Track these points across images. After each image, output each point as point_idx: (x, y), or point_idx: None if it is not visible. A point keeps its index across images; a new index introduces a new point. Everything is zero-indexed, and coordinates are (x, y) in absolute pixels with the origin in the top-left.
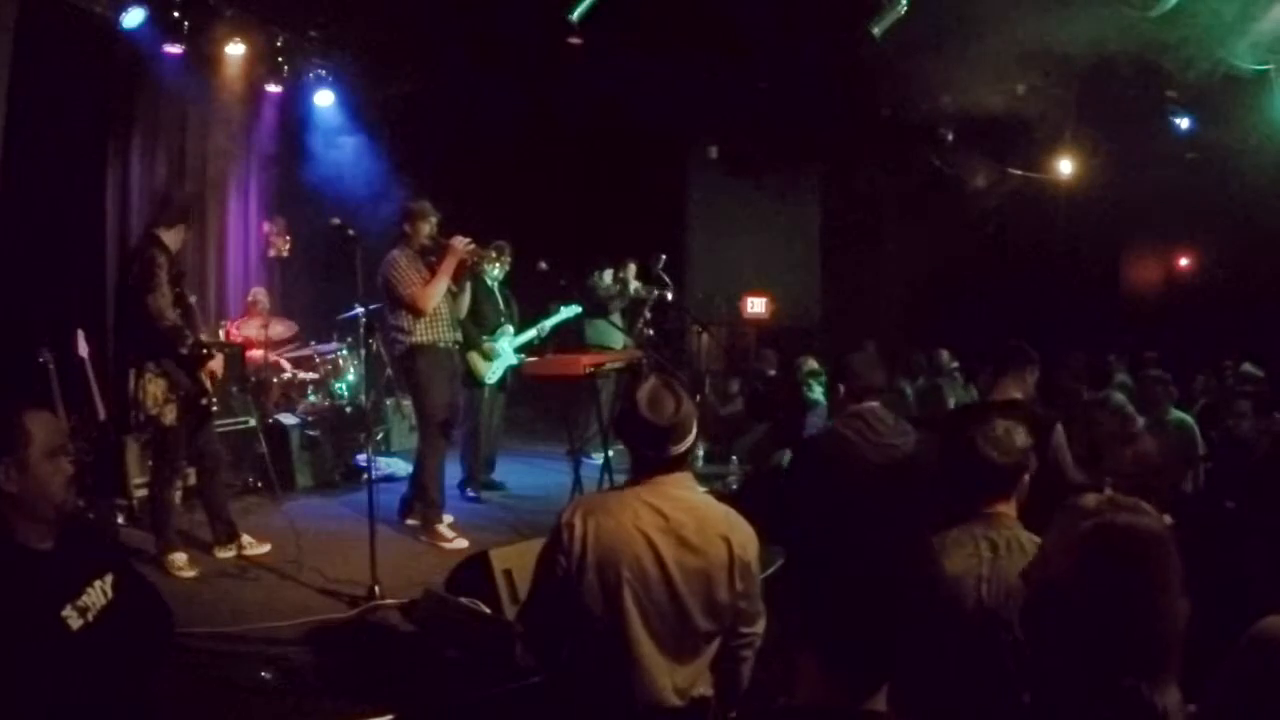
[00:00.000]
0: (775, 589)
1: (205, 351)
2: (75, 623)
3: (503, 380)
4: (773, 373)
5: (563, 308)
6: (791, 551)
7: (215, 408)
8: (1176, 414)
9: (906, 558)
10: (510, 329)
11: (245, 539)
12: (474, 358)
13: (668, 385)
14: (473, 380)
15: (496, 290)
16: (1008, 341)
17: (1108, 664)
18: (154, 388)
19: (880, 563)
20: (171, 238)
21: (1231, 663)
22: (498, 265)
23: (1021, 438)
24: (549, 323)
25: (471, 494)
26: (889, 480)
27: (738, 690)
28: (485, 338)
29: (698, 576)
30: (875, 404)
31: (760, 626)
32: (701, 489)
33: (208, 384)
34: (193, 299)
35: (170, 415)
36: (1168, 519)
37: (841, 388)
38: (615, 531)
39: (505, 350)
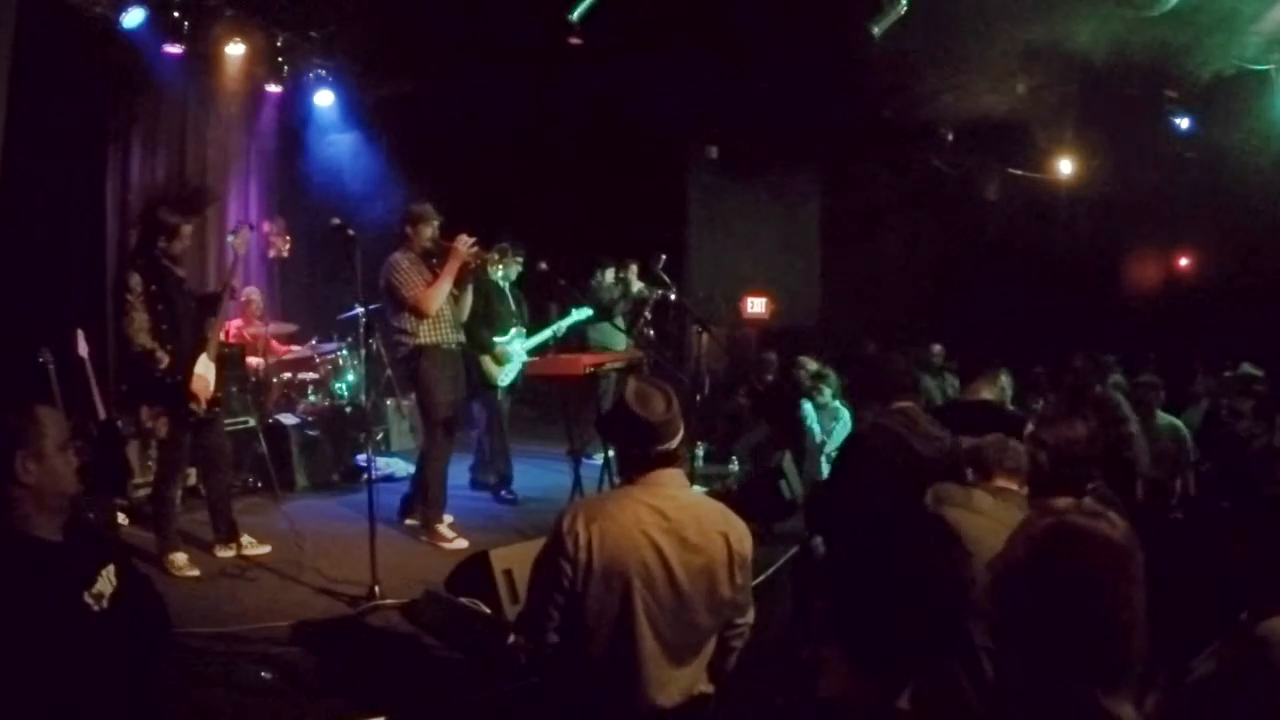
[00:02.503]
0: (803, 583)
1: (175, 380)
2: (95, 608)
3: (513, 382)
4: (770, 377)
5: (574, 309)
6: (836, 546)
7: (204, 413)
8: (1165, 418)
9: (943, 557)
10: (522, 330)
11: (245, 539)
12: (486, 361)
13: (653, 384)
14: (486, 383)
15: (508, 291)
16: (979, 353)
17: (1049, 663)
18: (147, 402)
19: (920, 562)
20: (162, 251)
21: (1225, 660)
22: (501, 267)
23: None
24: (564, 324)
25: (508, 495)
26: (943, 474)
27: (724, 678)
28: (498, 339)
29: (701, 575)
30: (909, 403)
31: (750, 616)
32: (702, 489)
33: (194, 405)
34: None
35: (163, 429)
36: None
37: (872, 388)
38: (620, 536)
39: (517, 352)
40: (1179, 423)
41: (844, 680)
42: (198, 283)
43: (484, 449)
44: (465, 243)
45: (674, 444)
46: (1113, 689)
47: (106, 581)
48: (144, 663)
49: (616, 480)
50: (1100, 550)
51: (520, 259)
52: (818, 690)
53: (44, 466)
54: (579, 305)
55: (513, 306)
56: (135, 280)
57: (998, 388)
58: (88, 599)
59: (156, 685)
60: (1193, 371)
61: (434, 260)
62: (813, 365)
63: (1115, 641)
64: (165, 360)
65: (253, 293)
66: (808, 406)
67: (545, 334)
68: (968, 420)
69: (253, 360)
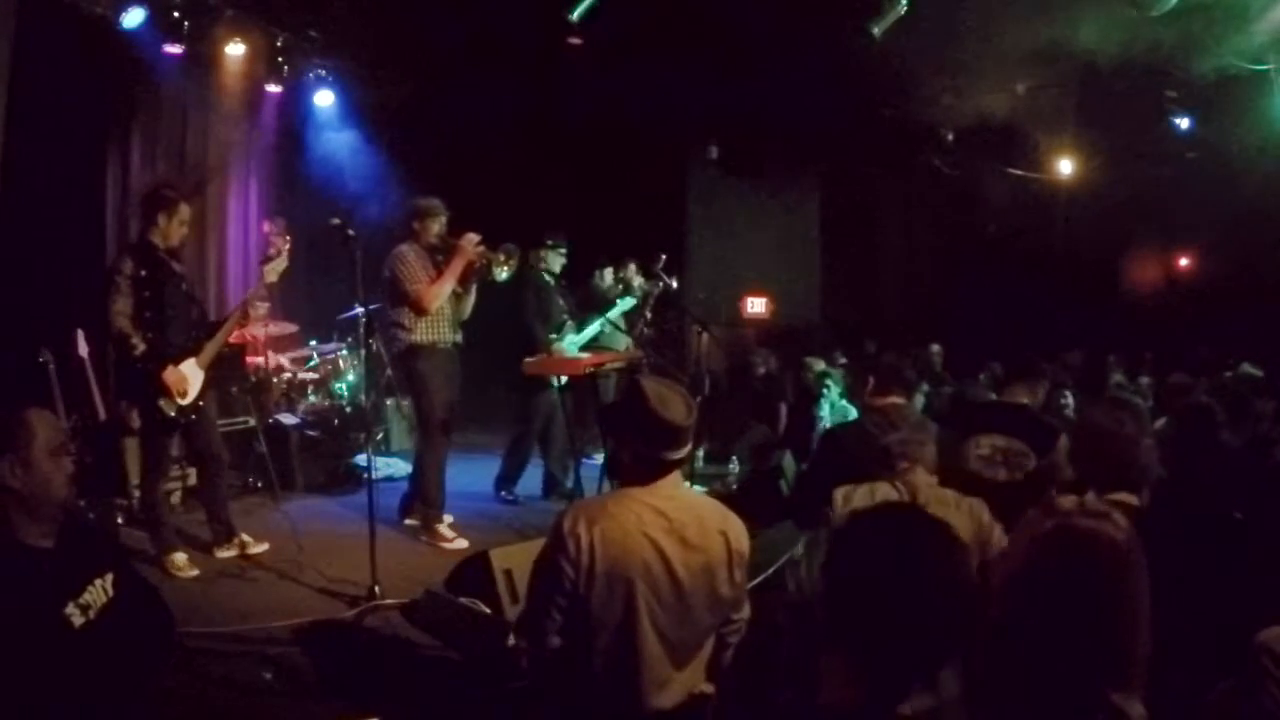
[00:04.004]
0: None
1: (146, 365)
2: (77, 620)
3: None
4: (763, 370)
5: (619, 301)
6: (835, 547)
7: (173, 412)
8: None
9: (936, 560)
10: (572, 326)
11: (244, 538)
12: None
13: (672, 387)
14: (541, 383)
15: (555, 287)
16: (1025, 353)
17: (1057, 664)
18: (125, 393)
19: (909, 564)
20: (161, 234)
21: (1238, 670)
22: (505, 269)
23: None
24: (613, 314)
25: (508, 497)
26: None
27: (721, 674)
28: (552, 336)
29: (702, 574)
30: (901, 400)
31: (746, 612)
32: (702, 489)
33: (163, 401)
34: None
35: (134, 419)
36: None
37: (871, 381)
38: (622, 538)
39: (570, 349)
40: None
41: (845, 687)
42: (197, 286)
43: (547, 445)
44: (472, 241)
45: (685, 452)
46: (1122, 687)
47: (100, 591)
48: (141, 672)
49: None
50: (1105, 552)
51: (564, 252)
52: (818, 698)
53: (32, 471)
54: (623, 296)
55: (560, 303)
56: (127, 264)
57: (1037, 394)
58: (70, 610)
59: (157, 691)
60: (1193, 373)
61: (439, 256)
62: (819, 365)
63: (1122, 641)
64: (140, 347)
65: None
66: (824, 405)
67: (593, 328)
68: (1000, 422)
69: (253, 360)
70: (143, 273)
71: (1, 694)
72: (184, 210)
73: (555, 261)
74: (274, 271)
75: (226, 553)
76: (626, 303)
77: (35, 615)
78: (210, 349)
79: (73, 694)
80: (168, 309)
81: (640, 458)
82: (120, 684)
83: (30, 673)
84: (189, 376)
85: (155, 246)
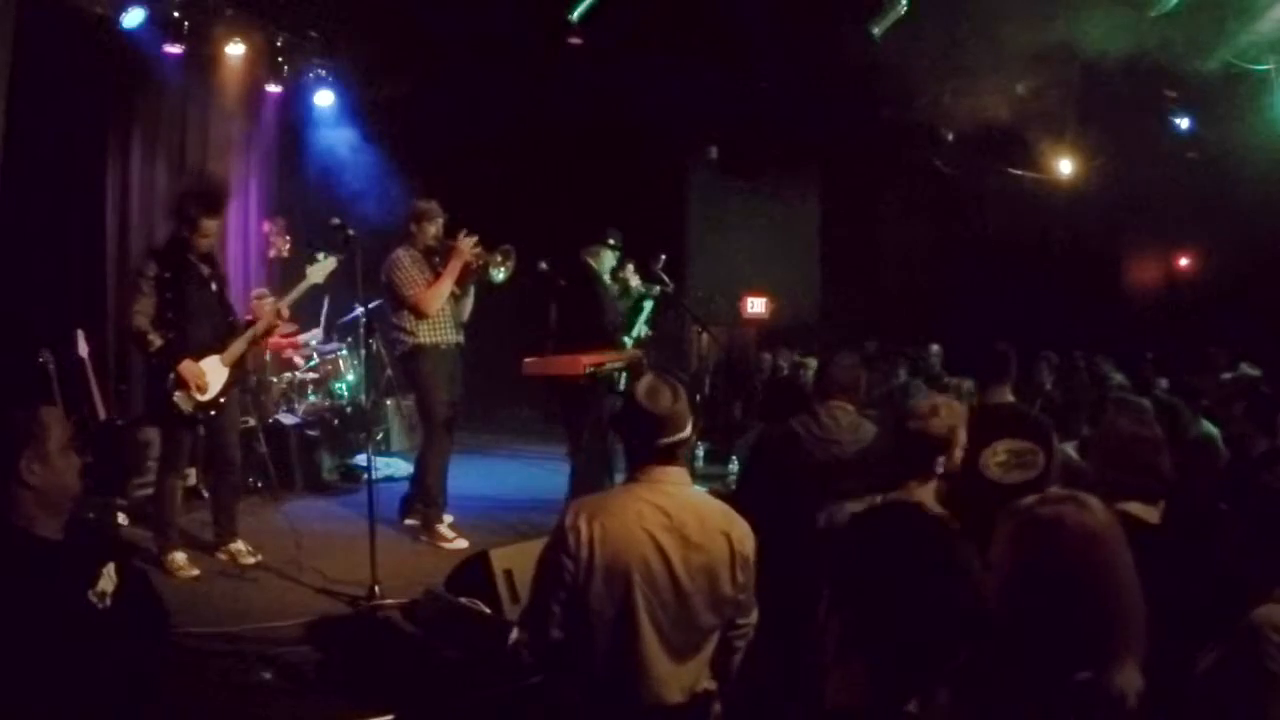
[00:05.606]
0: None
1: (162, 360)
2: (100, 606)
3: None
4: (787, 371)
5: (644, 302)
6: (837, 551)
7: (190, 408)
8: (1206, 427)
9: (940, 559)
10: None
11: (235, 547)
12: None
13: (664, 379)
14: (611, 388)
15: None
16: (993, 349)
17: (1047, 653)
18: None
19: (913, 564)
20: (188, 238)
21: (1224, 649)
22: (502, 270)
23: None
24: (642, 319)
25: None
26: (822, 479)
27: (728, 679)
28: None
29: (702, 573)
30: (840, 403)
31: (754, 617)
32: (701, 489)
33: (185, 394)
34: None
35: (153, 413)
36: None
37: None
38: (621, 533)
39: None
40: (1215, 433)
41: (852, 690)
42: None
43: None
44: (468, 242)
45: (678, 437)
46: (1113, 667)
47: (108, 579)
48: (145, 659)
49: (616, 480)
50: (1069, 534)
51: (617, 251)
52: (824, 701)
53: (48, 467)
54: (646, 297)
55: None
56: (150, 267)
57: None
58: (92, 597)
59: (157, 682)
60: (1191, 372)
61: (436, 258)
62: (814, 364)
63: (1104, 620)
64: (157, 344)
65: (264, 294)
66: None
67: (636, 330)
68: (1008, 426)
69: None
70: (166, 275)
71: (50, 681)
72: (205, 225)
73: (608, 262)
74: (320, 272)
75: (226, 554)
76: (648, 305)
77: (67, 602)
78: (236, 347)
79: (107, 675)
80: (191, 310)
81: (636, 446)
82: (140, 664)
83: (70, 658)
84: (207, 372)
85: (182, 250)
